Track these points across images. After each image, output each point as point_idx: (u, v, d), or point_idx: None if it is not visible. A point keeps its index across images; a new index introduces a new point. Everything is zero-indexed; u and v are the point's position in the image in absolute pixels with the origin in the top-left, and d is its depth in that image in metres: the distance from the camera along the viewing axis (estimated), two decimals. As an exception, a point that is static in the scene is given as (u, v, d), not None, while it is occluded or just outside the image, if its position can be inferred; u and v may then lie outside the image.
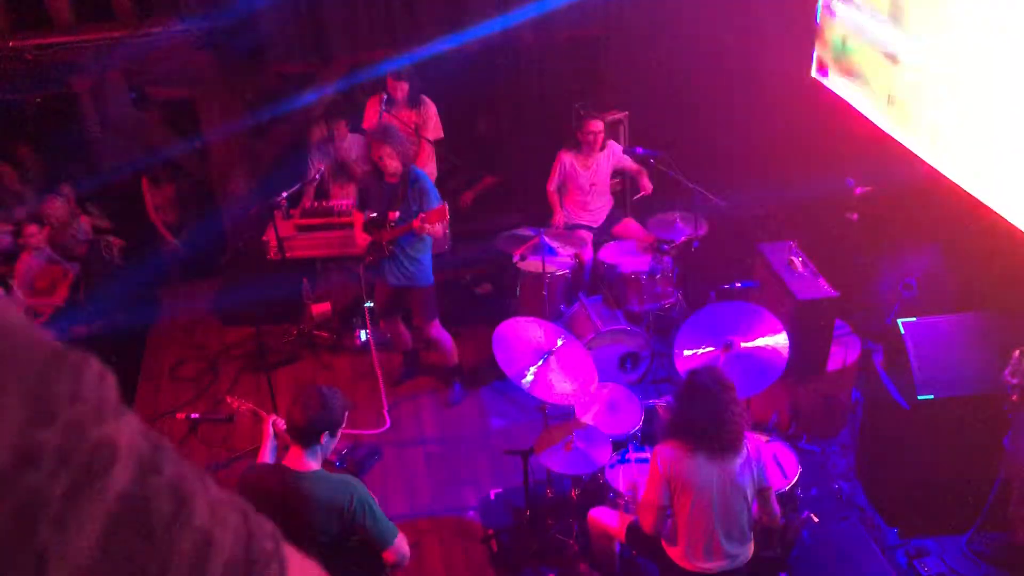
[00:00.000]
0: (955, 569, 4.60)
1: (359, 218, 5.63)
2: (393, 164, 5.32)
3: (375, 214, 5.45)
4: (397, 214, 5.34)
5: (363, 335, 6.58)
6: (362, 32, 6.93)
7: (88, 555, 0.54)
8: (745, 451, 3.70)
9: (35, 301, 6.30)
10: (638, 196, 6.67)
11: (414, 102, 6.61)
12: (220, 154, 6.94)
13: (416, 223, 5.21)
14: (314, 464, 3.41)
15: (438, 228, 5.37)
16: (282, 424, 3.70)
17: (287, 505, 3.31)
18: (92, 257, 6.84)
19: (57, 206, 6.69)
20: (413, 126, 6.60)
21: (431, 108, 6.69)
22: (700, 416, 3.64)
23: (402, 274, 5.56)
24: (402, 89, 6.50)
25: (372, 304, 5.99)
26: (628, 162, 6.56)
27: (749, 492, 3.70)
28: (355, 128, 6.82)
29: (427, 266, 5.62)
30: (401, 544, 3.46)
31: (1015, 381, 3.88)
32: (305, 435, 3.37)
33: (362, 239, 5.55)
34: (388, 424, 5.91)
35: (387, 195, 5.42)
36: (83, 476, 0.54)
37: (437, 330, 5.86)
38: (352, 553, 3.46)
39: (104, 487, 0.55)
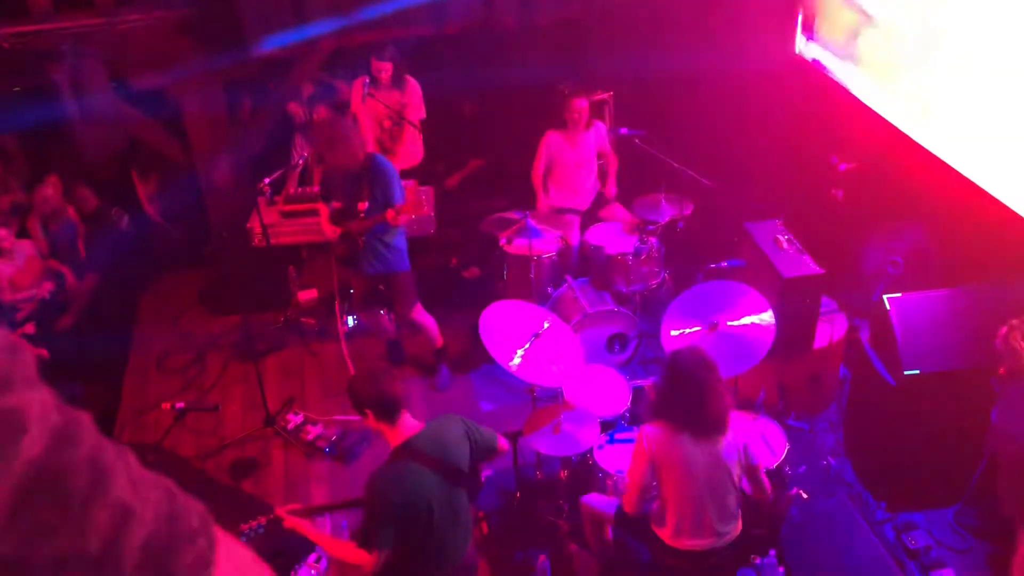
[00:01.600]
0: (942, 542, 4.63)
1: (324, 210, 5.54)
2: (340, 159, 5.22)
3: (339, 205, 5.38)
4: (366, 204, 5.28)
5: (351, 320, 6.57)
6: (345, 15, 6.87)
7: None
8: (731, 430, 3.71)
9: (14, 298, 6.25)
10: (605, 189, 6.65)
11: (398, 83, 6.57)
12: (202, 141, 6.88)
13: (390, 214, 5.15)
14: (412, 422, 3.58)
15: (403, 219, 5.27)
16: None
17: (447, 465, 3.49)
18: (100, 215, 6.82)
19: (49, 193, 6.64)
20: (398, 107, 6.57)
21: (415, 88, 6.66)
22: (683, 397, 3.65)
23: (379, 262, 5.51)
24: (386, 70, 6.47)
25: (352, 291, 5.96)
26: (609, 148, 6.55)
27: (735, 471, 3.71)
28: (339, 110, 6.79)
29: (403, 251, 5.58)
30: (503, 439, 3.86)
31: (1005, 353, 3.89)
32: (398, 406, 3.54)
33: (330, 231, 5.47)
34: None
35: (350, 185, 5.34)
36: None
37: (420, 313, 5.84)
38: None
39: (11, 455, 0.54)
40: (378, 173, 5.27)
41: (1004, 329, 3.78)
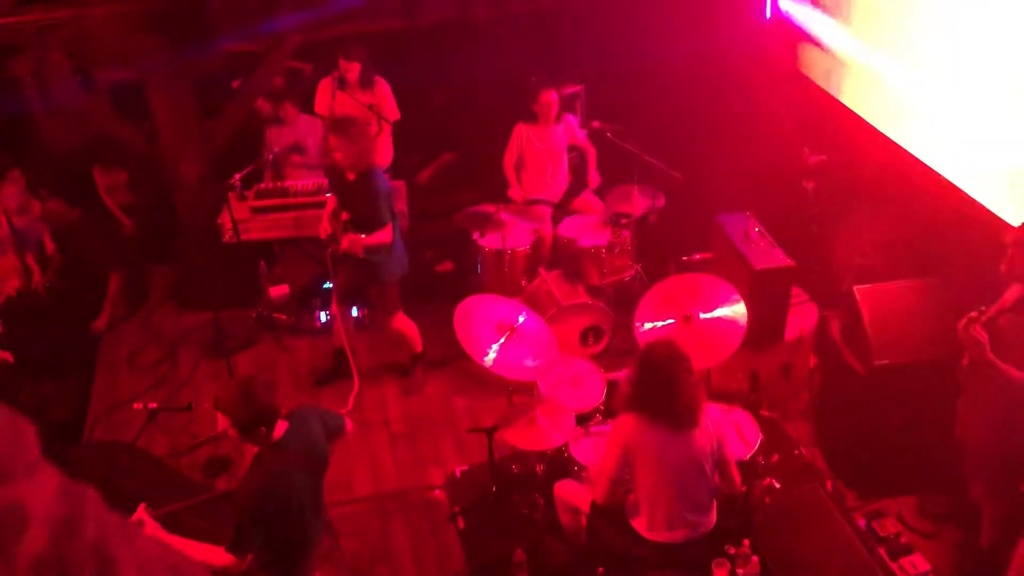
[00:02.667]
0: (913, 528, 4.71)
1: (331, 203, 5.47)
2: (343, 158, 5.16)
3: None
4: (348, 216, 5.22)
5: (322, 316, 6.53)
6: (313, 9, 6.80)
7: None
8: (703, 421, 3.74)
9: None
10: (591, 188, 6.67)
11: (367, 83, 6.50)
12: (170, 136, 6.78)
13: (345, 243, 5.13)
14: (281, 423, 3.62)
15: (354, 250, 5.19)
16: None
17: (312, 461, 3.66)
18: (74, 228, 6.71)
19: (12, 192, 6.52)
20: (368, 107, 6.52)
21: (385, 88, 6.60)
22: (654, 389, 3.68)
23: (365, 270, 5.43)
24: (353, 70, 6.40)
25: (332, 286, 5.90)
26: (583, 140, 6.55)
27: (708, 462, 3.75)
28: (307, 109, 6.73)
29: (388, 263, 5.45)
30: (348, 419, 4.07)
31: (966, 344, 3.95)
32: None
33: (323, 229, 5.40)
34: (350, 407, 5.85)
35: (346, 192, 5.29)
36: None
37: (400, 322, 5.78)
38: None
39: (14, 555, 0.52)
40: (370, 188, 5.19)
41: (963, 320, 3.85)
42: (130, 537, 0.61)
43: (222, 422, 3.52)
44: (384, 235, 5.25)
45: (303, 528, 3.59)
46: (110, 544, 0.58)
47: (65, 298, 6.53)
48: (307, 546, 3.68)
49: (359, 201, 5.22)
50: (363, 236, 5.19)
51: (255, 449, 3.61)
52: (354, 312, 6.32)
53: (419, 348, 5.97)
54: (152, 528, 3.46)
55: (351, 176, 5.25)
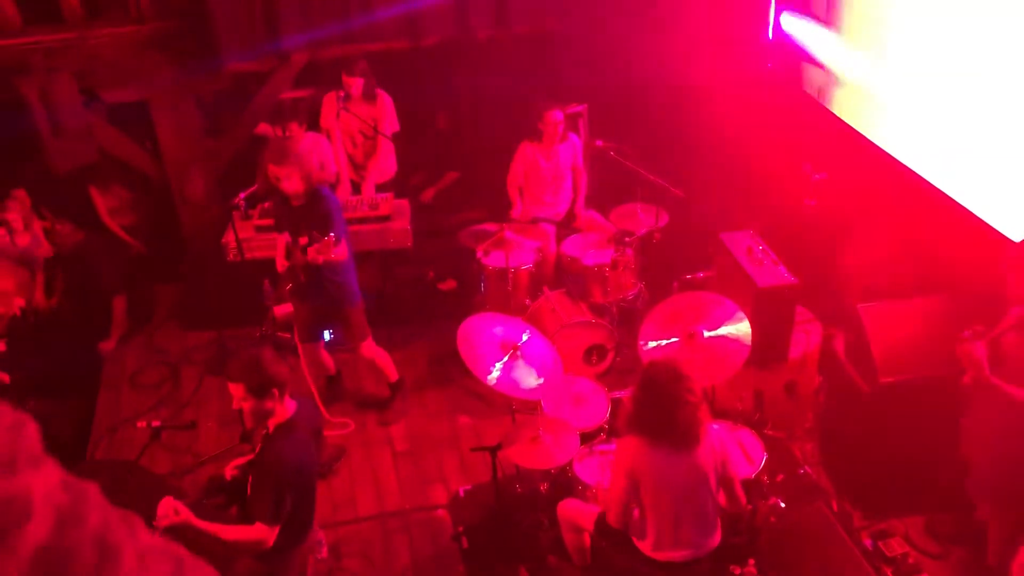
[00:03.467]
0: (919, 548, 4.68)
1: (280, 243, 5.25)
2: (293, 185, 4.99)
3: (290, 240, 5.15)
4: (306, 240, 5.00)
5: (327, 334, 6.51)
6: (317, 29, 6.85)
7: None
8: (707, 440, 3.72)
9: None
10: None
11: (369, 97, 6.57)
12: (175, 156, 6.82)
13: (312, 252, 4.92)
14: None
15: (321, 258, 4.95)
16: None
17: (318, 431, 4.01)
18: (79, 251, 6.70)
19: (15, 209, 6.55)
20: (372, 121, 6.57)
21: (387, 102, 6.66)
22: (655, 410, 3.66)
23: (325, 296, 5.29)
24: (356, 85, 6.47)
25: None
26: (580, 164, 6.58)
27: (712, 481, 3.73)
28: (312, 127, 6.77)
29: (351, 285, 5.36)
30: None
31: (965, 362, 3.93)
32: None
33: (280, 265, 5.24)
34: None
35: (296, 218, 5.11)
36: None
37: (371, 349, 5.66)
38: None
39: (17, 543, 0.53)
40: (322, 208, 5.04)
41: (962, 338, 3.84)
42: (132, 529, 0.61)
43: (235, 393, 3.60)
44: (340, 252, 5.08)
45: (313, 493, 3.86)
46: (112, 535, 0.59)
47: (69, 317, 6.54)
48: (311, 512, 3.92)
49: (313, 224, 5.01)
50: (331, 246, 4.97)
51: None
52: (326, 336, 6.27)
53: (394, 376, 5.87)
54: (186, 514, 3.54)
55: (296, 203, 5.08)
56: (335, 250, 4.97)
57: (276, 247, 5.34)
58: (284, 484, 3.59)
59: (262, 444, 3.75)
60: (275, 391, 3.61)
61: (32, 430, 0.58)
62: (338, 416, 5.91)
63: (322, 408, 5.61)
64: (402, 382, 5.96)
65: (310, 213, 5.06)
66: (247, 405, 3.62)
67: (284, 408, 3.70)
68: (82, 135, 6.98)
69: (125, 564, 0.58)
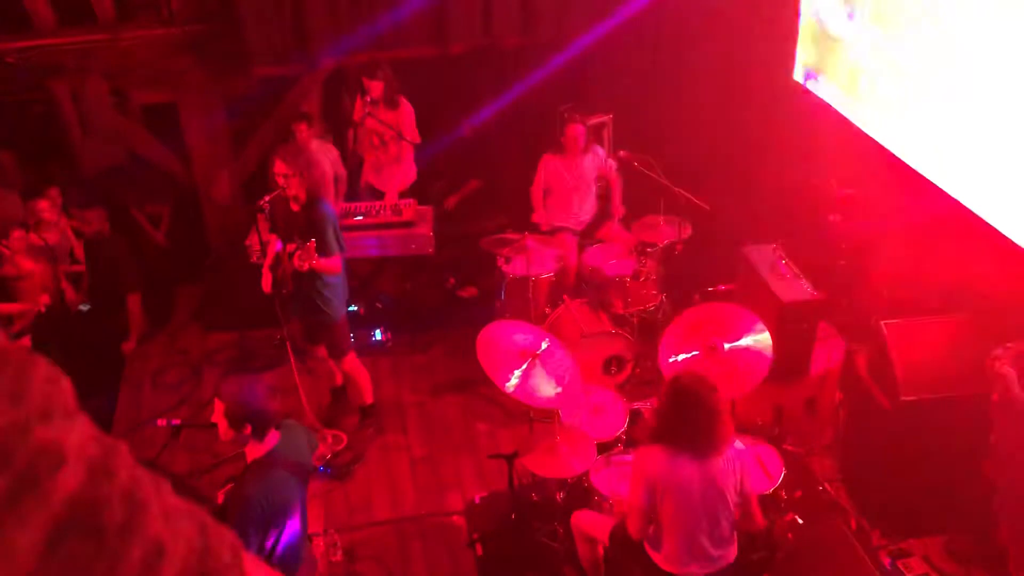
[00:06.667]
0: (939, 569, 4.62)
1: (270, 254, 5.30)
2: (291, 187, 5.00)
3: (279, 245, 5.15)
4: (294, 246, 5.00)
5: (378, 334, 6.52)
6: (346, 35, 6.91)
7: (31, 557, 0.53)
8: (728, 453, 3.70)
9: (11, 308, 6.24)
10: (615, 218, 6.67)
11: (391, 103, 6.56)
12: (203, 157, 6.89)
13: (296, 260, 4.91)
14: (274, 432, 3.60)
15: (305, 265, 4.92)
16: None
17: (302, 467, 3.69)
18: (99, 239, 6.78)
19: (47, 206, 6.64)
20: (396, 127, 6.59)
21: (408, 110, 6.65)
22: (683, 420, 3.63)
23: (309, 307, 5.28)
24: (376, 88, 6.45)
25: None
26: (611, 171, 6.56)
27: (731, 495, 3.70)
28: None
29: (335, 299, 5.31)
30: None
31: (993, 380, 3.89)
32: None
33: (266, 284, 5.25)
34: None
35: (291, 223, 5.10)
36: (25, 478, 0.53)
37: (351, 365, 5.61)
38: None
39: (49, 490, 0.54)
40: (316, 217, 5.03)
41: (991, 357, 3.79)
42: (159, 489, 0.62)
43: (216, 407, 3.53)
44: (332, 264, 5.08)
45: (296, 534, 3.61)
46: (141, 492, 0.60)
47: (93, 316, 6.62)
48: (299, 554, 3.70)
49: (304, 230, 5.01)
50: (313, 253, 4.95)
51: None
52: (377, 335, 6.29)
53: (370, 399, 5.79)
54: None
55: (295, 207, 5.10)
56: (322, 261, 4.96)
57: (266, 257, 5.34)
58: (247, 521, 3.39)
59: (240, 475, 3.64)
60: (248, 428, 3.48)
61: (67, 385, 0.60)
62: (342, 426, 5.89)
63: (313, 418, 5.66)
64: (375, 408, 5.87)
65: (303, 220, 5.06)
66: (222, 425, 3.53)
67: (262, 444, 3.54)
68: (112, 136, 7.08)
69: (151, 521, 0.60)
